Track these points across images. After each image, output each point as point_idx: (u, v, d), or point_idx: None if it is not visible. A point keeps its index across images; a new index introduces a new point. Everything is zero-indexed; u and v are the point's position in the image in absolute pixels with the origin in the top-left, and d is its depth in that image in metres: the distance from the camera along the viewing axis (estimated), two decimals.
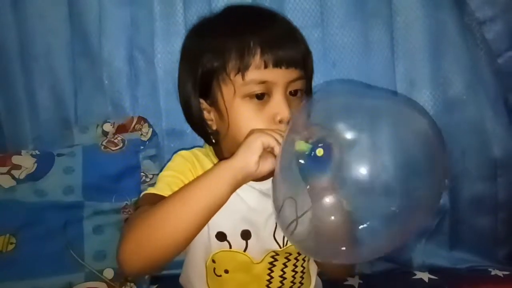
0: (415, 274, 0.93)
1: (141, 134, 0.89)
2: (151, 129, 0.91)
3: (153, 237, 0.55)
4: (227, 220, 0.64)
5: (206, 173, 0.59)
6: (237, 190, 0.58)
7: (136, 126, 0.90)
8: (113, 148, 0.87)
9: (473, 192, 0.93)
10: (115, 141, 0.88)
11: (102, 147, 0.86)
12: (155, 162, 0.90)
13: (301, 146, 0.54)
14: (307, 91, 0.69)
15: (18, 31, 0.90)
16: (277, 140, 0.57)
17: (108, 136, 0.89)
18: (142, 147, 0.89)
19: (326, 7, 0.88)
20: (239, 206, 0.66)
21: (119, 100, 0.93)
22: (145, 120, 0.91)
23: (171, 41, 0.91)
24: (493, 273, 0.92)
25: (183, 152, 0.69)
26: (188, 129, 0.93)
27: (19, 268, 0.76)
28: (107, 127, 0.91)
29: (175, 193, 0.59)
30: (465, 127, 0.90)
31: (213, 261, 0.67)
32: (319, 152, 0.53)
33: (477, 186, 0.92)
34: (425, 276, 0.92)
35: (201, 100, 0.67)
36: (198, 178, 0.59)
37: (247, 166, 0.57)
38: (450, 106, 0.90)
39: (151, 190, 0.63)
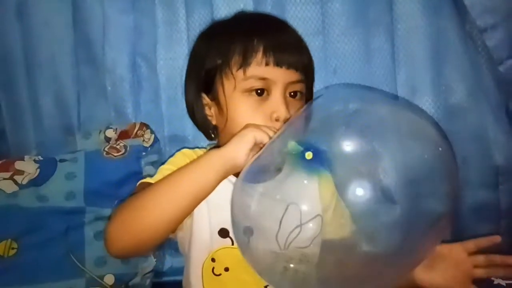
0: None
1: (143, 140, 0.90)
2: (153, 135, 0.91)
3: (140, 217, 0.57)
4: (229, 216, 0.64)
5: (196, 159, 0.62)
6: None
7: (138, 132, 0.91)
8: (115, 154, 0.87)
9: (475, 200, 0.92)
10: (117, 147, 0.88)
11: (104, 153, 0.87)
12: (157, 168, 0.90)
13: (293, 146, 0.55)
14: (308, 98, 0.71)
15: (23, 38, 0.92)
16: (270, 137, 0.59)
17: (110, 142, 0.90)
18: (144, 153, 0.89)
19: (328, 15, 0.89)
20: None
21: (121, 107, 0.94)
22: (147, 126, 0.92)
23: (173, 48, 0.92)
24: (495, 282, 0.90)
25: (185, 150, 0.72)
26: (189, 135, 0.95)
27: (20, 273, 0.76)
28: (110, 133, 0.91)
29: (165, 177, 0.61)
30: (467, 134, 0.89)
31: (213, 260, 0.66)
32: (308, 155, 0.53)
33: (479, 194, 0.92)
34: None
35: (203, 95, 0.70)
36: (188, 164, 0.61)
37: (236, 157, 0.58)
38: (451, 113, 0.90)
39: (147, 179, 0.66)
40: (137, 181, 0.86)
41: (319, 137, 0.55)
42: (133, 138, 0.90)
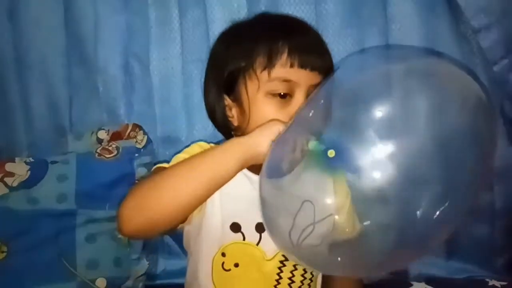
0: (411, 285, 0.91)
1: (136, 142, 0.89)
2: (146, 137, 0.90)
3: (156, 197, 0.56)
4: (242, 211, 0.65)
5: (218, 146, 0.61)
6: (254, 183, 0.59)
7: (131, 134, 0.90)
8: (108, 156, 0.86)
9: None
10: (110, 148, 0.87)
11: (96, 154, 0.86)
12: (150, 170, 0.89)
13: (314, 146, 0.55)
14: None
15: (14, 38, 0.91)
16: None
17: (102, 144, 0.89)
18: (136, 155, 0.88)
19: (322, 15, 0.88)
20: (255, 198, 0.65)
21: (114, 107, 0.93)
22: (140, 128, 0.91)
23: (166, 48, 0.91)
24: (490, 283, 0.91)
25: (201, 142, 0.71)
26: (183, 136, 0.94)
27: (10, 277, 0.76)
28: (102, 134, 0.90)
29: (184, 160, 0.60)
30: None
31: (223, 254, 0.66)
32: (331, 153, 0.53)
33: None
34: (421, 287, 0.91)
35: (225, 96, 0.69)
36: (209, 149, 0.61)
37: (258, 146, 0.58)
38: None
39: (163, 164, 0.65)
40: (130, 183, 0.86)
41: (341, 132, 0.55)
42: (125, 139, 0.89)
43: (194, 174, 0.57)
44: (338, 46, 0.89)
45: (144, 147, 0.89)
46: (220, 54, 0.72)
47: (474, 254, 0.94)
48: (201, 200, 0.58)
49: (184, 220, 0.64)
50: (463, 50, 0.88)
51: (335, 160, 0.53)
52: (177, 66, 0.92)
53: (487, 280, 0.92)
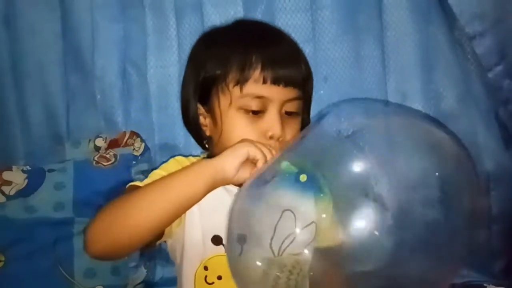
0: None
1: (134, 149, 0.89)
2: (143, 144, 0.90)
3: (123, 219, 0.56)
4: (223, 223, 0.63)
5: (187, 167, 0.61)
6: (232, 195, 0.59)
7: (128, 141, 0.90)
8: (105, 163, 0.86)
9: None
10: (107, 156, 0.87)
11: (94, 162, 0.86)
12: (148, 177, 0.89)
13: (287, 167, 0.55)
14: (305, 112, 0.72)
15: (10, 46, 0.91)
16: (264, 154, 0.58)
17: (100, 151, 0.89)
18: (134, 162, 0.88)
19: (318, 22, 0.89)
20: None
21: (111, 115, 0.93)
22: (138, 135, 0.91)
23: (163, 55, 0.92)
24: None
25: (178, 157, 0.71)
26: (180, 143, 0.94)
27: (8, 285, 0.76)
28: (99, 142, 0.90)
29: (153, 182, 0.60)
30: None
31: (206, 268, 0.65)
32: (303, 178, 0.54)
33: None
34: None
35: (199, 105, 0.69)
36: (178, 171, 0.61)
37: (226, 169, 0.58)
38: (441, 119, 0.90)
39: (136, 183, 0.65)
40: None
41: (316, 162, 0.55)
42: (123, 147, 0.89)
43: (162, 197, 0.57)
44: (335, 53, 0.89)
45: (141, 154, 0.89)
46: (196, 60, 0.72)
47: (472, 259, 0.94)
48: (169, 221, 0.59)
49: (158, 238, 0.64)
50: (458, 57, 0.88)
51: (307, 186, 0.54)
52: (174, 74, 0.92)
53: (485, 284, 0.92)
